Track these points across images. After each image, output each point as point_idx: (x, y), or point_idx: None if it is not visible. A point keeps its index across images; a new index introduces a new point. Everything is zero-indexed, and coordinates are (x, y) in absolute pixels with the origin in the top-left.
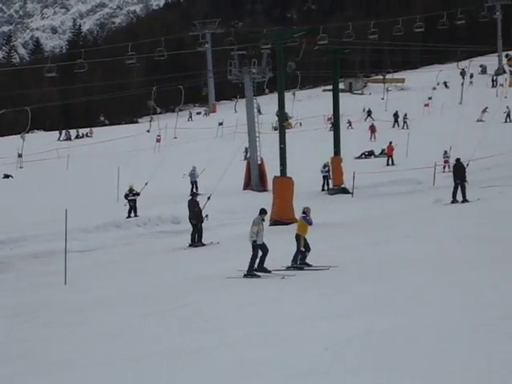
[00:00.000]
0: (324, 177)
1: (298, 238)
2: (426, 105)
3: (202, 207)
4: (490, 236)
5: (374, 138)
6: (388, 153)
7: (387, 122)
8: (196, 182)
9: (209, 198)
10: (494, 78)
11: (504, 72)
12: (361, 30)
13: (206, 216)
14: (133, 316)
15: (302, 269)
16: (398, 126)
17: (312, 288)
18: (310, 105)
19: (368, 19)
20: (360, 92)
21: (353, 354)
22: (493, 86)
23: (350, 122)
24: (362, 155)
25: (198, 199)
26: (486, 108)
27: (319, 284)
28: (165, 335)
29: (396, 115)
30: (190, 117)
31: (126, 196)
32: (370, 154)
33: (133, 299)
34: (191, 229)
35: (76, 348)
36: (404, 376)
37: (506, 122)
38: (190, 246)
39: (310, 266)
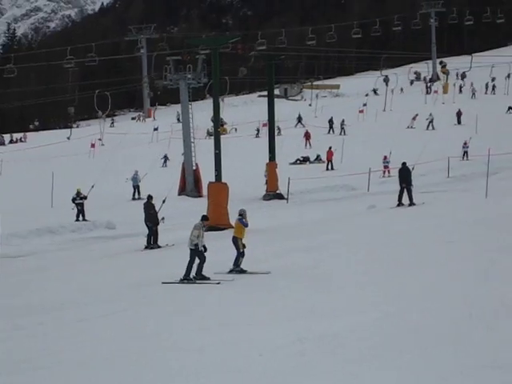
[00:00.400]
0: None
1: (235, 240)
2: (361, 111)
3: (157, 210)
4: (421, 240)
5: (310, 145)
6: (328, 157)
7: (322, 128)
8: (138, 186)
9: (164, 202)
10: (428, 84)
11: (438, 79)
12: (297, 36)
13: (163, 219)
14: (68, 322)
15: (244, 272)
16: (333, 132)
17: (247, 293)
18: (245, 110)
19: (304, 25)
20: (297, 98)
21: (286, 359)
22: (427, 92)
23: (279, 128)
24: (296, 161)
25: (153, 202)
26: (416, 115)
27: (256, 289)
28: (96, 341)
29: (331, 121)
30: (113, 123)
31: (74, 200)
32: (305, 159)
33: (66, 305)
34: (146, 231)
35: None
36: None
37: (427, 129)
38: (146, 248)
39: (244, 271)
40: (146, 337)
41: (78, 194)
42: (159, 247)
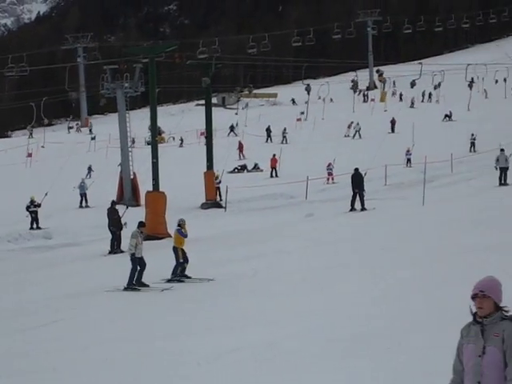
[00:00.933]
0: (216, 188)
1: (175, 250)
2: (298, 119)
3: (121, 215)
4: (358, 248)
5: (243, 156)
6: (272, 165)
7: (259, 137)
8: (85, 194)
9: (127, 207)
10: (366, 93)
11: (375, 87)
12: (235, 45)
13: (125, 224)
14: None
15: (182, 281)
16: (271, 140)
17: (189, 302)
18: (183, 119)
19: (241, 33)
20: (235, 107)
21: (224, 368)
22: (364, 100)
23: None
24: (234, 170)
25: (116, 207)
26: (352, 123)
27: (194, 298)
28: (32, 352)
29: (268, 130)
30: (31, 134)
31: (28, 208)
32: (243, 168)
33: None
34: (110, 236)
35: None
36: None
37: (353, 137)
38: (110, 252)
39: (189, 277)
40: (77, 349)
41: (32, 201)
42: (122, 252)
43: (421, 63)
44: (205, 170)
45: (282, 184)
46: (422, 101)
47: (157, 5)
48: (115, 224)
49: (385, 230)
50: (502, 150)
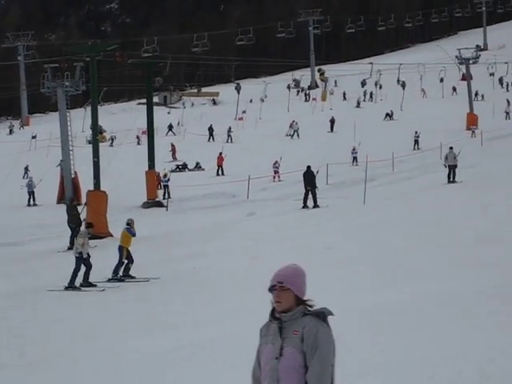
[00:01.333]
0: (165, 186)
1: (120, 249)
2: (240, 118)
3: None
4: (302, 247)
5: (175, 158)
6: (218, 163)
7: (201, 136)
8: (33, 192)
9: (85, 204)
10: (307, 92)
11: (317, 86)
12: (178, 43)
13: (84, 220)
14: None
15: (123, 280)
16: (214, 139)
17: (129, 302)
18: (124, 118)
19: (183, 32)
20: (177, 106)
21: (162, 368)
22: (306, 100)
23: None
24: (176, 169)
25: (75, 203)
26: (293, 122)
27: (137, 298)
28: None
29: (211, 129)
30: None
31: None
32: (184, 167)
33: None
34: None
35: None
36: None
37: (292, 137)
38: (69, 248)
39: (133, 277)
40: (13, 348)
41: None
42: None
43: (371, 63)
44: (146, 169)
45: (225, 183)
46: (364, 100)
47: (98, 3)
48: (74, 220)
49: (327, 228)
50: (451, 148)
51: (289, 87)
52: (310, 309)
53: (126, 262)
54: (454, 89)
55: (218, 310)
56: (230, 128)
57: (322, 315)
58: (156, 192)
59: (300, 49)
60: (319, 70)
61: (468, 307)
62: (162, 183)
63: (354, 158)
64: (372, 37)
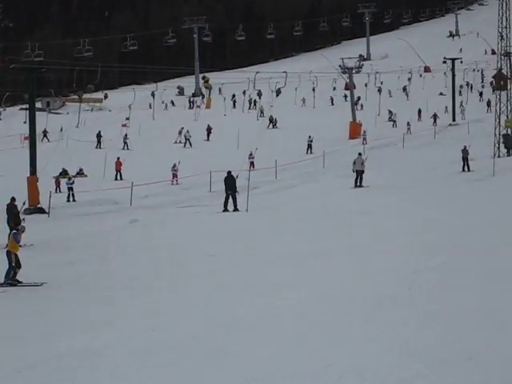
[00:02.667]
0: (69, 189)
1: (8, 254)
2: (124, 125)
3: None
4: (182, 255)
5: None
6: (116, 167)
7: (88, 143)
8: None
9: (24, 204)
10: (192, 99)
11: (201, 94)
12: (62, 49)
13: (23, 219)
14: None
15: (15, 285)
16: (101, 146)
17: (17, 306)
18: (4, 124)
19: (67, 38)
20: (60, 111)
21: (46, 375)
22: (190, 107)
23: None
24: (60, 175)
25: (16, 203)
26: (182, 129)
27: (27, 302)
28: None
29: (99, 135)
30: None
31: None
32: (66, 173)
33: None
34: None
35: None
36: None
37: (184, 145)
38: None
39: (20, 282)
40: None
41: None
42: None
43: (285, 72)
44: (28, 175)
45: (108, 190)
46: (250, 108)
47: None
48: (14, 219)
49: (207, 236)
50: (360, 154)
51: (181, 93)
52: None
53: (18, 263)
54: (332, 99)
55: (99, 316)
56: (126, 135)
57: None
58: (38, 198)
59: (185, 56)
60: (203, 78)
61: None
62: (66, 185)
63: (251, 163)
64: (257, 45)
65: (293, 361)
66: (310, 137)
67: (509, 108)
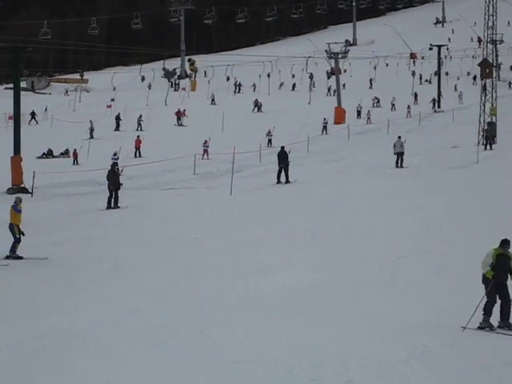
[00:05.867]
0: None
1: (11, 227)
2: (109, 106)
3: None
4: (166, 239)
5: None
6: (136, 145)
7: (77, 124)
8: None
9: (122, 169)
10: (177, 81)
11: (186, 76)
12: (48, 29)
13: (121, 184)
14: None
15: (21, 258)
16: (120, 129)
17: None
18: None
19: (53, 18)
20: (45, 91)
21: (24, 356)
22: (175, 89)
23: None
24: (43, 155)
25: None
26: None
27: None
28: None
29: (118, 118)
30: None
31: None
32: (50, 153)
33: None
34: None
35: None
36: None
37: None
38: None
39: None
40: None
41: None
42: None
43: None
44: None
45: (92, 170)
46: (235, 91)
47: None
48: (114, 184)
49: (191, 218)
50: (399, 136)
51: (167, 75)
52: None
53: (18, 237)
54: (313, 84)
55: (81, 298)
56: (140, 116)
57: None
58: (21, 178)
59: (171, 38)
60: (189, 60)
61: (329, 300)
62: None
63: (269, 141)
64: (243, 29)
65: (276, 344)
66: (325, 119)
67: (494, 96)
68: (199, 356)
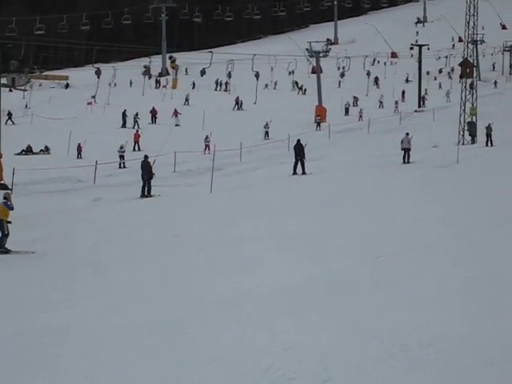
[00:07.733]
0: (120, 156)
1: (1, 222)
2: (89, 103)
3: None
4: (147, 235)
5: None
6: (134, 139)
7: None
8: None
9: (155, 161)
10: (158, 79)
11: (167, 73)
12: (26, 26)
13: (154, 174)
14: None
15: (8, 252)
16: (126, 126)
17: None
18: None
19: (33, 15)
20: (25, 88)
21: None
22: (156, 87)
23: None
24: (22, 152)
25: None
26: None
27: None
28: None
29: (124, 114)
30: None
31: None
32: (29, 150)
33: None
34: None
35: None
36: None
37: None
38: None
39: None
40: None
41: None
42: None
43: (211, 52)
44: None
45: (72, 168)
46: (216, 89)
47: None
48: (148, 174)
49: (171, 216)
50: (407, 133)
51: (147, 72)
52: None
53: (7, 232)
54: (297, 84)
55: (62, 294)
56: (137, 114)
57: None
58: (1, 174)
59: (152, 35)
60: (170, 58)
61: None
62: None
63: (266, 133)
64: (224, 27)
65: (253, 343)
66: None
67: (474, 95)
68: (176, 354)
